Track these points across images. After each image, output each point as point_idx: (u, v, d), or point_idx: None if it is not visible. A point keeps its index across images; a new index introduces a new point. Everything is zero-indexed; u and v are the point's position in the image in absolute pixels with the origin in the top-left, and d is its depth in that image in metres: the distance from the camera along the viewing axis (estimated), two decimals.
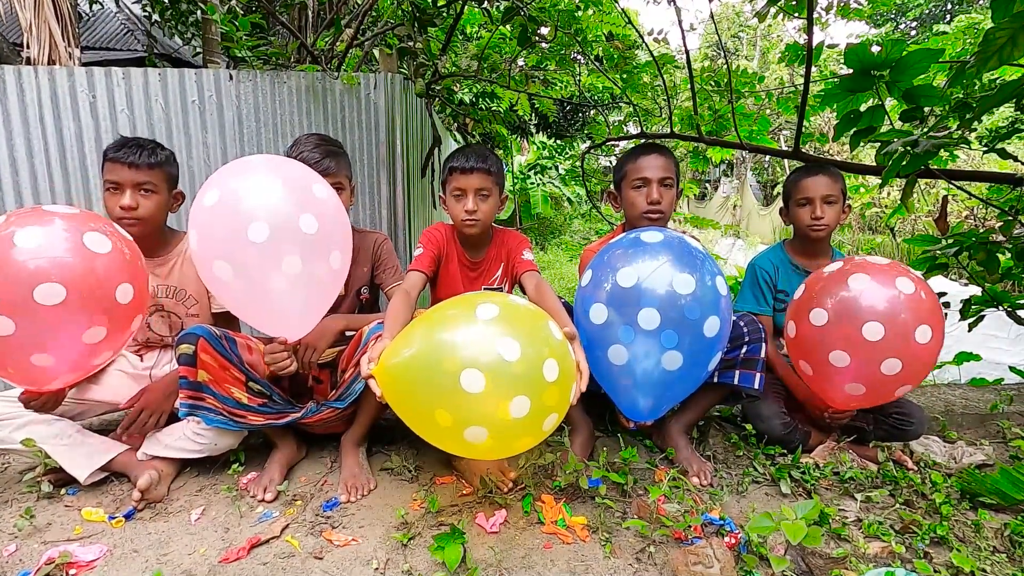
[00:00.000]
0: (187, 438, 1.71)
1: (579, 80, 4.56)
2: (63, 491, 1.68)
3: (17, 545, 1.44)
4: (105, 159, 1.75)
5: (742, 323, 1.82)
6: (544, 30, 3.56)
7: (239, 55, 3.07)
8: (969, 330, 2.43)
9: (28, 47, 3.69)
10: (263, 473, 1.73)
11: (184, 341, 1.61)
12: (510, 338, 1.24)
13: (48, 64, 3.71)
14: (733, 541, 1.41)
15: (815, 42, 2.33)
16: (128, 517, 1.56)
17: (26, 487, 1.66)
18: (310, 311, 1.58)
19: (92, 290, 1.40)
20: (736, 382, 1.82)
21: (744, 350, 1.80)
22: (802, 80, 2.46)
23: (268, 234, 1.39)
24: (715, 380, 1.84)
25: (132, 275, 1.51)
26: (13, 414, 1.64)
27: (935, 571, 1.32)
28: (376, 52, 3.54)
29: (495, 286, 2.01)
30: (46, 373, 1.46)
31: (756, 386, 1.80)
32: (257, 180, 1.46)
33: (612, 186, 2.11)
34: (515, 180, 11.70)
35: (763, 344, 1.80)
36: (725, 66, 3.08)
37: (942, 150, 1.69)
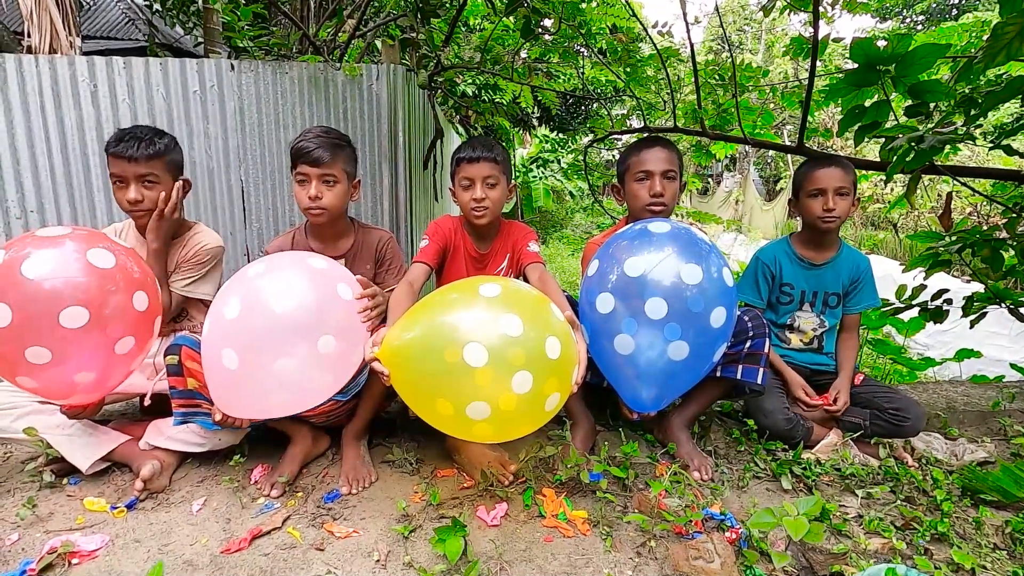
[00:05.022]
0: (190, 431, 1.72)
1: (582, 73, 4.54)
2: (65, 481, 1.69)
3: (19, 534, 1.45)
4: (107, 153, 1.75)
5: (746, 318, 1.81)
6: (547, 22, 3.54)
7: (241, 45, 3.06)
8: (971, 327, 2.43)
9: (29, 36, 3.67)
10: (277, 467, 1.72)
11: (168, 353, 1.61)
12: (512, 314, 1.25)
13: (49, 53, 3.69)
14: (734, 536, 1.41)
15: (820, 36, 2.31)
16: (130, 507, 1.56)
17: (28, 477, 1.66)
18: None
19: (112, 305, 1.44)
20: (739, 377, 1.82)
21: (748, 345, 1.80)
22: (807, 74, 2.44)
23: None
24: (718, 375, 1.84)
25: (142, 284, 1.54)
26: (15, 403, 1.65)
27: (936, 567, 1.32)
28: (378, 43, 3.52)
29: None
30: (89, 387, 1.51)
31: (759, 381, 1.80)
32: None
33: (616, 179, 2.11)
34: (517, 173, 11.69)
35: (767, 339, 1.80)
36: (729, 60, 3.05)
37: (945, 145, 1.68)
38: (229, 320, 1.38)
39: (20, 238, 1.44)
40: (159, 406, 1.79)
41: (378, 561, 1.36)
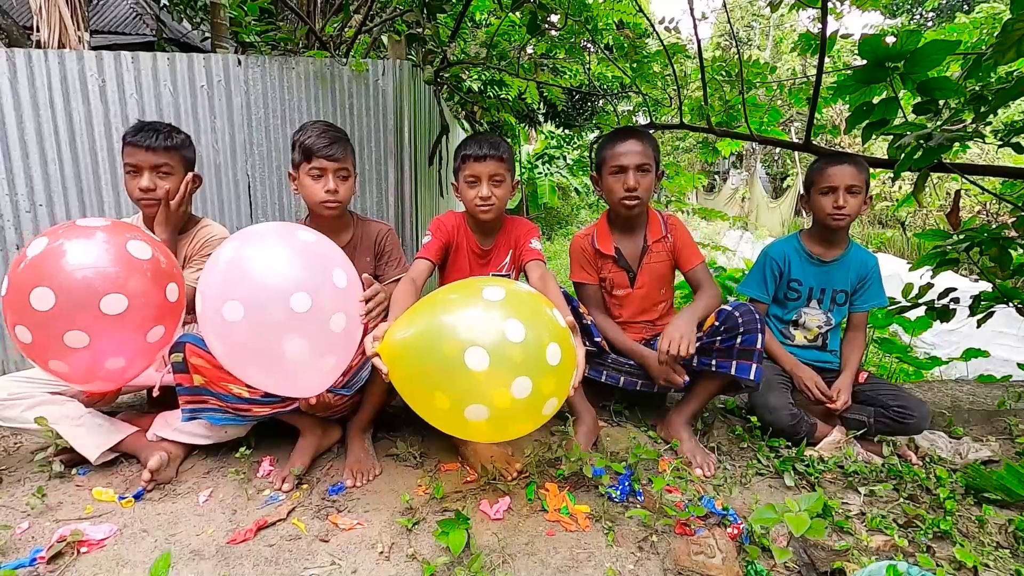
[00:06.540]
0: (197, 423, 1.73)
1: (588, 69, 4.53)
2: (74, 471, 1.71)
3: (29, 523, 1.47)
4: (124, 143, 1.78)
5: (736, 313, 1.79)
6: (554, 18, 3.53)
7: (247, 40, 3.06)
8: (978, 326, 2.42)
9: (38, 30, 3.69)
10: (289, 462, 1.73)
11: (173, 351, 1.63)
12: (515, 319, 1.25)
13: (58, 48, 3.71)
14: (736, 532, 1.41)
15: (829, 32, 2.30)
16: (137, 497, 1.58)
17: (38, 466, 1.69)
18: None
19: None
20: (733, 372, 1.80)
21: (739, 340, 1.78)
22: (814, 71, 2.43)
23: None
24: (713, 369, 1.83)
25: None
26: (26, 394, 1.67)
27: (938, 565, 1.32)
28: (385, 38, 3.52)
29: (503, 273, 2.01)
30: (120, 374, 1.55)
31: (752, 377, 1.77)
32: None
33: (593, 170, 2.11)
34: (522, 169, 11.67)
35: (759, 334, 1.77)
36: (737, 56, 3.04)
37: (954, 143, 1.66)
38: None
39: (62, 226, 1.47)
40: (167, 398, 1.81)
41: (382, 553, 1.37)
